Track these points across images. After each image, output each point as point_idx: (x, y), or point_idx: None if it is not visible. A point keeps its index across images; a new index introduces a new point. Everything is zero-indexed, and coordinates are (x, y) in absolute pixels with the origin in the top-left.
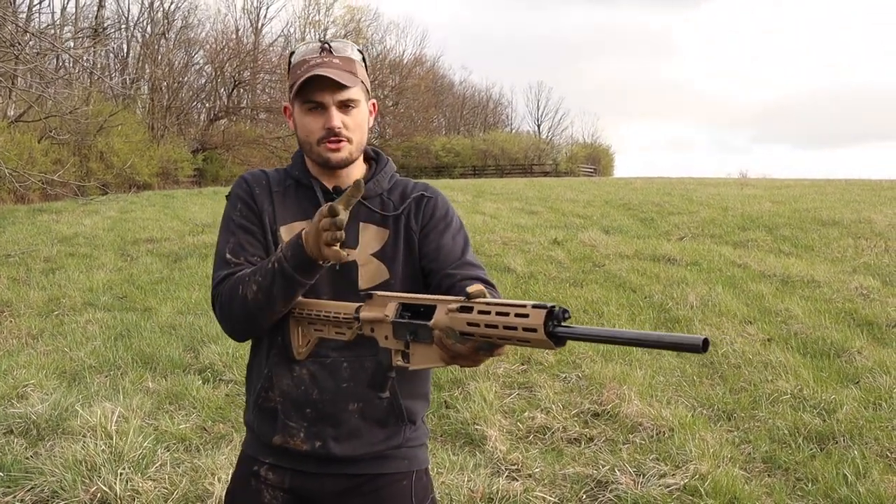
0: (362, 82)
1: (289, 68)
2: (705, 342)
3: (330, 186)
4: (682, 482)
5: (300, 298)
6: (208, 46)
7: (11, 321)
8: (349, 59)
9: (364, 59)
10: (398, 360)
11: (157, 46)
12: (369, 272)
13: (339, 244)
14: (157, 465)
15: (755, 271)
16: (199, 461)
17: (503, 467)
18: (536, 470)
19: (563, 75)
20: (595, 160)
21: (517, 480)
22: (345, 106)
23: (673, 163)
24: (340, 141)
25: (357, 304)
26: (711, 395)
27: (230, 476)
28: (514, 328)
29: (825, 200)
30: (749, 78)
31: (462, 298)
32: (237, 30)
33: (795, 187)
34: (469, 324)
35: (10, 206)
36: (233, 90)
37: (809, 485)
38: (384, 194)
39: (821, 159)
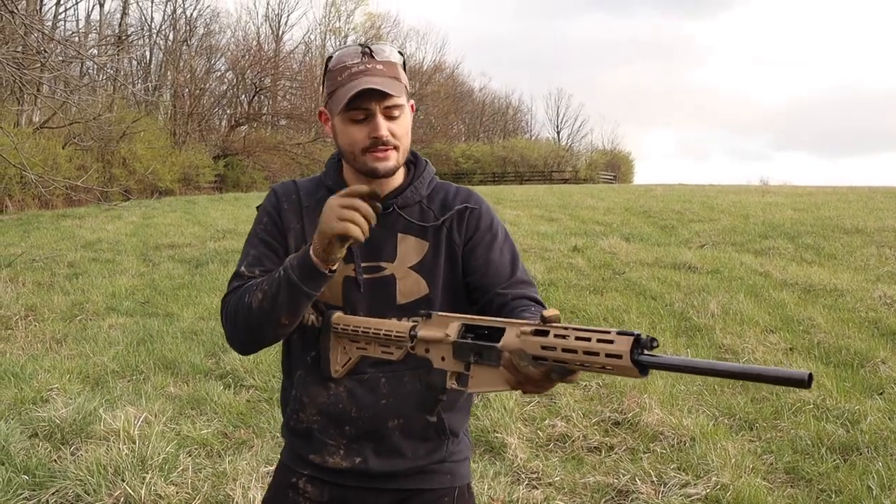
0: (405, 86)
1: (325, 72)
2: (810, 377)
3: None
4: (703, 492)
5: (345, 315)
6: (230, 53)
7: (36, 325)
8: (391, 62)
9: (404, 62)
10: (452, 383)
11: (179, 53)
12: (407, 286)
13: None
14: (179, 469)
15: (777, 280)
16: (221, 466)
17: (523, 475)
18: (557, 478)
19: (582, 82)
20: (615, 167)
21: (537, 489)
22: (391, 113)
23: (692, 170)
24: (388, 149)
25: (412, 324)
26: (733, 404)
27: (268, 484)
28: (596, 353)
29: (848, 208)
30: (768, 85)
31: (536, 322)
32: (258, 37)
33: (817, 195)
34: (544, 347)
35: (34, 212)
36: (254, 97)
37: (833, 496)
38: (423, 202)
39: (842, 167)
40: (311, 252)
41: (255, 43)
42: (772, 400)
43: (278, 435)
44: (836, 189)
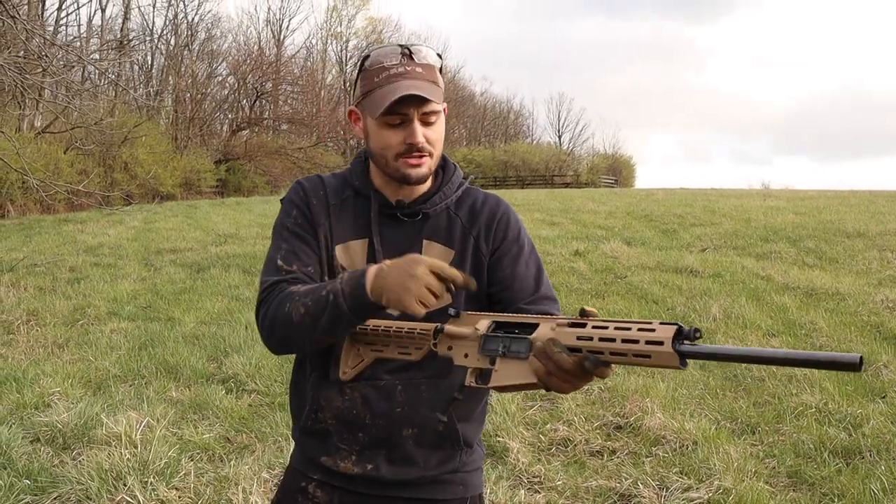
0: (442, 90)
1: (359, 70)
2: (861, 360)
3: (393, 200)
4: (705, 496)
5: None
6: (231, 58)
7: (38, 330)
8: (430, 65)
9: (441, 65)
10: (472, 381)
11: (180, 58)
12: None
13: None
14: (181, 474)
15: (779, 283)
16: (223, 471)
17: (525, 480)
18: (559, 482)
19: (582, 84)
20: (616, 171)
21: (539, 493)
22: (427, 119)
23: (693, 174)
24: (423, 156)
25: (436, 324)
26: (735, 408)
27: (278, 486)
28: (636, 341)
29: (849, 212)
30: (769, 89)
31: (572, 317)
32: (259, 41)
33: (819, 199)
34: (579, 338)
35: (36, 216)
36: (255, 101)
37: (836, 500)
38: (451, 209)
39: (844, 171)
40: (368, 292)
41: (256, 47)
42: (774, 404)
43: (280, 439)
44: (837, 193)
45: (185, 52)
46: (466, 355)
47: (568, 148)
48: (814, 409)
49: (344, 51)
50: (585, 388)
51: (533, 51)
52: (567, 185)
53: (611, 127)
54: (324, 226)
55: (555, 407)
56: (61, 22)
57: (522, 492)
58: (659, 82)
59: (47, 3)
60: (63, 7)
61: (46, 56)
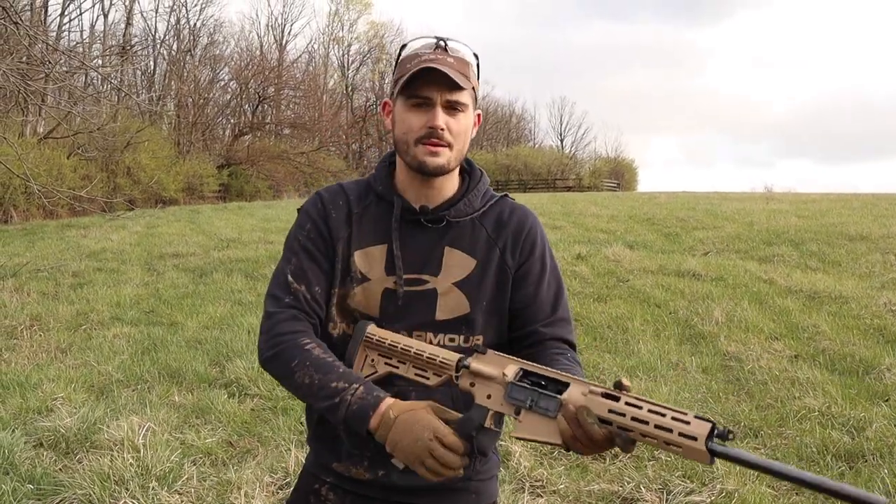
0: (473, 88)
1: (396, 63)
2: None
3: (417, 205)
4: (708, 500)
5: (381, 329)
6: (233, 63)
7: (41, 335)
8: (464, 60)
9: (478, 65)
10: (491, 423)
11: (183, 63)
12: (449, 303)
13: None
14: (183, 479)
15: (781, 287)
16: (226, 475)
17: (527, 483)
18: (561, 486)
19: (584, 88)
20: (618, 174)
21: (542, 497)
22: (452, 107)
23: (695, 177)
24: (441, 145)
25: (460, 355)
26: (738, 411)
27: (291, 489)
28: (669, 430)
29: (852, 215)
30: (771, 92)
31: (605, 386)
32: (261, 46)
33: (822, 202)
34: (611, 411)
35: (39, 222)
36: (257, 106)
37: None
38: (476, 217)
39: (847, 173)
40: (370, 428)
41: (258, 52)
42: (777, 407)
43: (283, 444)
44: (840, 196)
45: (188, 58)
46: (489, 396)
47: (570, 152)
48: (817, 413)
49: (346, 55)
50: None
51: (534, 55)
52: (569, 189)
53: (613, 130)
54: (343, 238)
55: None
56: (64, 28)
57: (525, 496)
58: (660, 86)
59: (50, 8)
60: (65, 13)
61: (49, 62)
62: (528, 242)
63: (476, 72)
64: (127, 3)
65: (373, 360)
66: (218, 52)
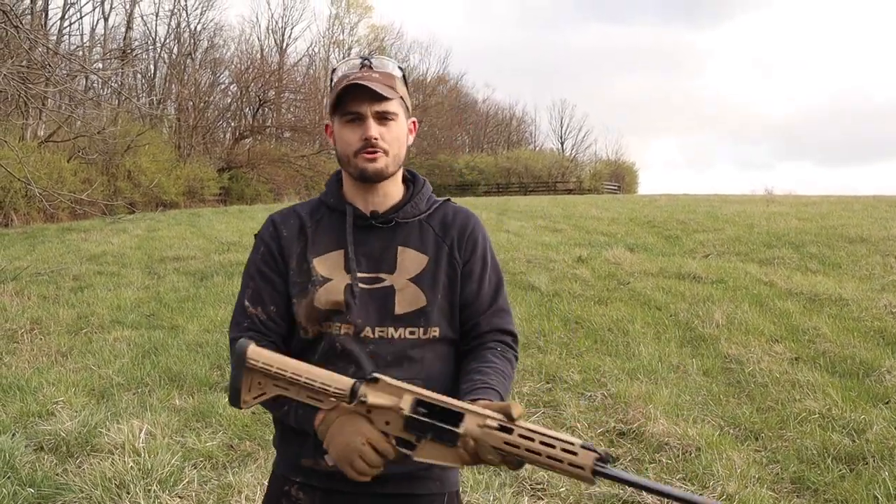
0: (401, 98)
1: (331, 86)
2: None
3: (367, 211)
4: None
5: (265, 352)
6: (234, 66)
7: (41, 339)
8: (389, 74)
9: (405, 77)
10: (391, 329)
11: (183, 67)
12: (406, 297)
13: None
14: (184, 482)
15: (782, 289)
16: (226, 479)
17: (528, 486)
18: (562, 489)
19: (584, 90)
20: (619, 177)
21: (542, 500)
22: (382, 118)
23: (696, 179)
24: (376, 152)
25: (353, 381)
26: (738, 414)
27: (263, 498)
28: (560, 461)
29: (852, 217)
30: (771, 94)
31: (500, 417)
32: (262, 50)
33: (822, 204)
34: (507, 443)
35: (40, 225)
36: (258, 109)
37: None
38: (423, 219)
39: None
40: (315, 424)
41: (258, 56)
42: (777, 409)
43: None
44: (840, 198)
45: (188, 61)
46: (388, 423)
47: (570, 154)
48: (817, 415)
49: (346, 59)
50: (588, 394)
51: (535, 58)
52: (570, 192)
53: (613, 133)
54: (296, 254)
55: (558, 414)
56: (64, 31)
57: (526, 499)
58: (660, 88)
59: (50, 12)
60: (66, 17)
61: (50, 65)
62: (471, 241)
63: (404, 84)
64: (127, 6)
65: (260, 382)
66: (218, 55)
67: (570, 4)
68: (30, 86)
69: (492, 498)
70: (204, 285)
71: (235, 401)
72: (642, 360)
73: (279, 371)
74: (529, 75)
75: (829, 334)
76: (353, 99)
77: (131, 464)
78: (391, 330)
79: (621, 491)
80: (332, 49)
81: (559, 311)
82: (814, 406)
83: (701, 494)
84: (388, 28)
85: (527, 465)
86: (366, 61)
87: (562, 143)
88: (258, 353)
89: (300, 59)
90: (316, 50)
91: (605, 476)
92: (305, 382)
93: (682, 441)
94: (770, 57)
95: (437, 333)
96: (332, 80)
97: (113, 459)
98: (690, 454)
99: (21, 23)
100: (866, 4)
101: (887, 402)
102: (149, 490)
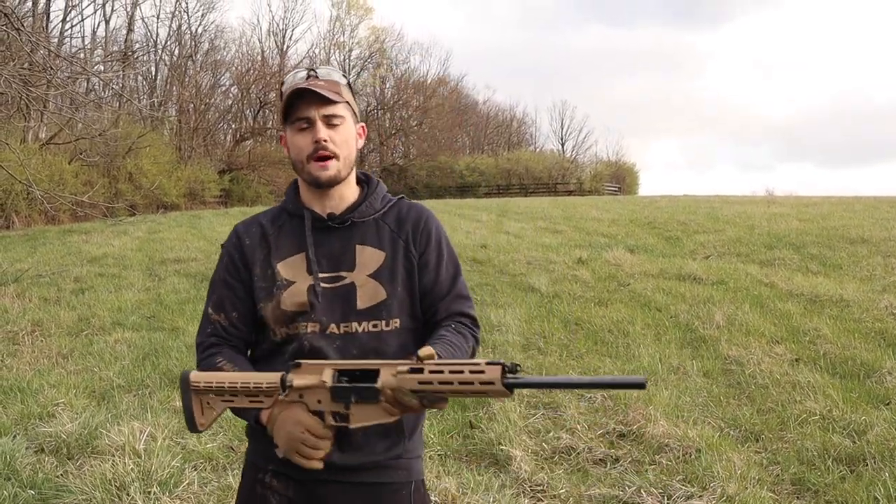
0: (347, 103)
1: (280, 97)
2: (646, 381)
3: (324, 213)
4: None
5: (203, 372)
6: (234, 68)
7: (42, 340)
8: (334, 81)
9: (349, 84)
10: (332, 421)
11: (184, 69)
12: (367, 293)
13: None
14: (184, 484)
15: (782, 290)
16: (226, 480)
17: (528, 488)
18: (562, 491)
19: (585, 94)
20: (620, 178)
21: (542, 501)
22: (330, 121)
23: (696, 180)
24: (328, 158)
25: (280, 373)
26: (738, 415)
27: (237, 489)
28: (470, 382)
29: (853, 218)
30: (772, 96)
31: (410, 361)
32: (263, 51)
33: (823, 205)
34: (421, 382)
35: (41, 227)
36: (258, 111)
37: None
38: (378, 217)
39: (847, 177)
40: (263, 422)
41: (259, 58)
42: (777, 411)
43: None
44: (841, 199)
45: (189, 63)
46: (319, 401)
47: (571, 156)
48: (818, 417)
49: (347, 60)
50: (588, 395)
51: (535, 59)
52: (570, 193)
53: (614, 134)
54: (259, 260)
55: (558, 415)
56: (65, 34)
57: (525, 500)
58: (661, 89)
59: (51, 15)
60: (67, 19)
61: (51, 68)
62: (425, 233)
63: (350, 91)
64: (128, 9)
65: (209, 402)
66: (219, 57)
67: (571, 6)
68: (31, 88)
69: (492, 499)
70: (204, 287)
71: (192, 426)
72: (642, 362)
73: (219, 385)
74: (530, 77)
75: (829, 335)
76: (302, 104)
77: (132, 465)
78: (355, 325)
79: (621, 492)
80: (332, 51)
81: (559, 312)
82: (814, 407)
83: (701, 492)
84: (389, 30)
85: (525, 468)
86: (311, 72)
87: (562, 145)
88: (199, 376)
89: (301, 60)
90: (317, 52)
91: (516, 386)
92: (242, 388)
93: (682, 442)
94: (770, 58)
95: (398, 324)
96: (281, 93)
97: (113, 461)
98: (691, 456)
99: (23, 25)
100: (866, 6)
101: (888, 404)
102: (149, 492)
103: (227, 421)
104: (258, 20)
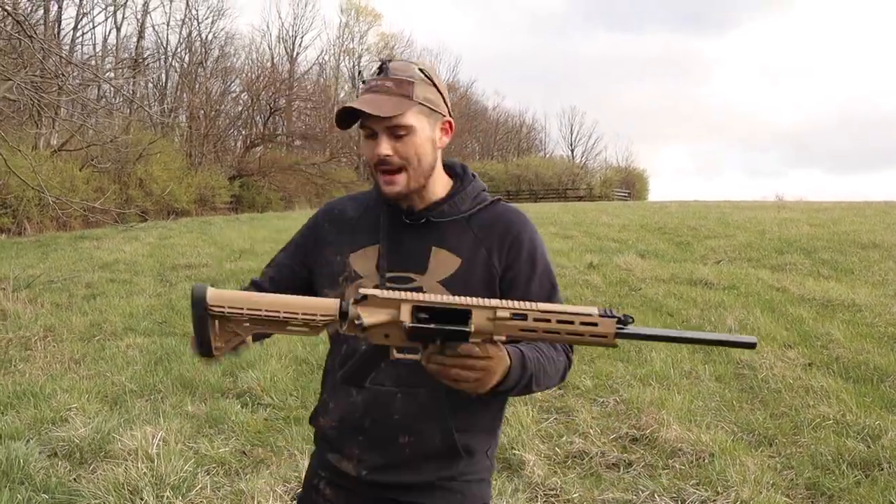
0: (422, 104)
1: (357, 95)
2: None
3: (405, 205)
4: None
5: (226, 292)
6: (244, 75)
7: (55, 346)
8: (403, 80)
9: (429, 77)
10: (398, 354)
11: (194, 75)
12: None
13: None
14: (197, 488)
15: (794, 295)
16: (239, 485)
17: (541, 492)
18: (575, 495)
19: (594, 100)
20: (629, 184)
21: None
22: (396, 133)
23: (706, 186)
24: (393, 173)
25: (336, 301)
26: (752, 419)
27: (299, 491)
28: (581, 335)
29: (864, 223)
30: (780, 102)
31: (511, 304)
32: (272, 58)
33: (833, 210)
34: (522, 330)
35: (52, 233)
36: (269, 118)
37: None
38: (464, 219)
39: (857, 182)
40: None
41: (269, 64)
42: (791, 415)
43: (296, 453)
44: (851, 204)
45: (199, 70)
46: (387, 336)
47: (581, 161)
48: (832, 421)
49: (356, 66)
50: (601, 400)
51: (545, 65)
52: (580, 199)
53: (623, 140)
54: (333, 243)
55: (570, 420)
56: (77, 41)
57: None
58: (669, 95)
59: (63, 22)
60: (78, 27)
61: (62, 75)
62: (516, 244)
63: (428, 84)
64: (139, 16)
65: (230, 326)
66: (229, 64)
67: (580, 12)
68: (43, 95)
69: None
70: None
71: (207, 350)
72: (654, 366)
73: (251, 312)
74: (539, 83)
75: (842, 340)
76: (364, 115)
77: (144, 470)
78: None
79: (634, 497)
80: (342, 57)
81: None
82: (828, 412)
83: (714, 497)
84: (398, 36)
85: (538, 472)
86: (384, 65)
87: (572, 150)
88: (220, 298)
89: (310, 67)
90: (326, 58)
91: (625, 337)
92: (286, 317)
93: (695, 447)
94: (778, 64)
95: None
96: (358, 88)
97: (126, 466)
98: (704, 460)
99: (35, 32)
100: (875, 12)
101: None
102: (161, 496)
103: (239, 426)
104: (268, 27)
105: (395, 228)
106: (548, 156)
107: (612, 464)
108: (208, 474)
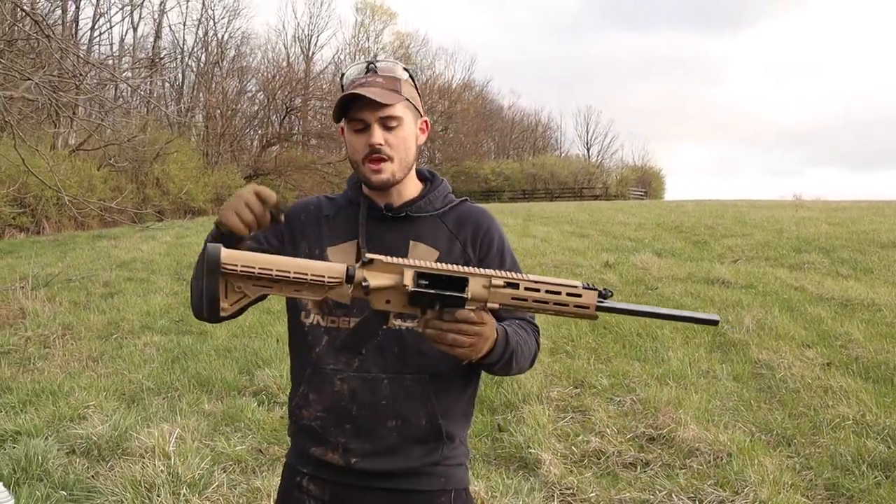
0: (408, 100)
1: (341, 90)
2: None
3: (381, 203)
4: None
5: (241, 252)
6: (261, 74)
7: (73, 344)
8: (392, 77)
9: (412, 78)
10: (398, 322)
11: (211, 75)
12: None
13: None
14: (213, 486)
15: (813, 294)
16: (255, 483)
17: (558, 491)
18: (592, 494)
19: (610, 99)
20: (645, 183)
21: None
22: (387, 123)
23: (722, 186)
24: (382, 161)
25: (345, 265)
26: (770, 419)
27: (276, 490)
28: (565, 304)
29: (884, 222)
30: (798, 100)
31: (504, 274)
32: (288, 57)
33: (852, 209)
34: (514, 298)
35: (70, 233)
36: (285, 117)
37: None
38: (437, 216)
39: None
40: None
41: (285, 64)
42: (810, 415)
43: None
44: (871, 203)
45: (216, 69)
46: (388, 301)
47: (597, 160)
48: (851, 421)
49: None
50: (617, 399)
51: (561, 65)
52: (596, 198)
53: (639, 139)
54: (309, 236)
55: (587, 419)
56: (94, 41)
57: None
58: (686, 94)
59: (80, 22)
60: (96, 27)
61: (80, 74)
62: (486, 239)
63: (410, 85)
64: (156, 16)
65: (238, 286)
66: (245, 63)
67: (595, 12)
68: (61, 94)
69: (521, 503)
70: None
71: (215, 310)
72: (671, 366)
73: (263, 271)
74: (554, 82)
75: (861, 339)
76: (358, 107)
77: (161, 467)
78: (399, 321)
79: (651, 496)
80: (357, 56)
81: None
82: (847, 412)
83: (733, 497)
84: (413, 35)
85: (555, 471)
86: (371, 65)
87: (588, 149)
88: (233, 257)
89: (326, 66)
90: (342, 57)
91: (605, 310)
92: (295, 278)
93: (713, 447)
94: (796, 63)
95: None
96: (342, 86)
97: (143, 463)
98: (722, 460)
99: (53, 32)
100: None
101: None
102: (178, 493)
103: (255, 423)
104: (283, 26)
105: (374, 223)
106: (563, 155)
107: (629, 463)
108: (224, 472)
